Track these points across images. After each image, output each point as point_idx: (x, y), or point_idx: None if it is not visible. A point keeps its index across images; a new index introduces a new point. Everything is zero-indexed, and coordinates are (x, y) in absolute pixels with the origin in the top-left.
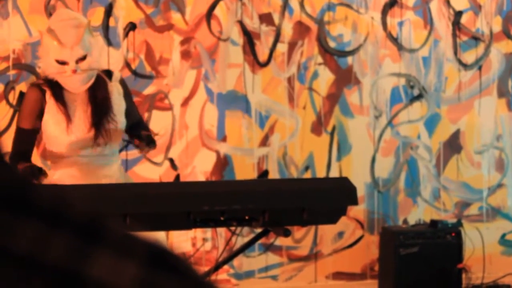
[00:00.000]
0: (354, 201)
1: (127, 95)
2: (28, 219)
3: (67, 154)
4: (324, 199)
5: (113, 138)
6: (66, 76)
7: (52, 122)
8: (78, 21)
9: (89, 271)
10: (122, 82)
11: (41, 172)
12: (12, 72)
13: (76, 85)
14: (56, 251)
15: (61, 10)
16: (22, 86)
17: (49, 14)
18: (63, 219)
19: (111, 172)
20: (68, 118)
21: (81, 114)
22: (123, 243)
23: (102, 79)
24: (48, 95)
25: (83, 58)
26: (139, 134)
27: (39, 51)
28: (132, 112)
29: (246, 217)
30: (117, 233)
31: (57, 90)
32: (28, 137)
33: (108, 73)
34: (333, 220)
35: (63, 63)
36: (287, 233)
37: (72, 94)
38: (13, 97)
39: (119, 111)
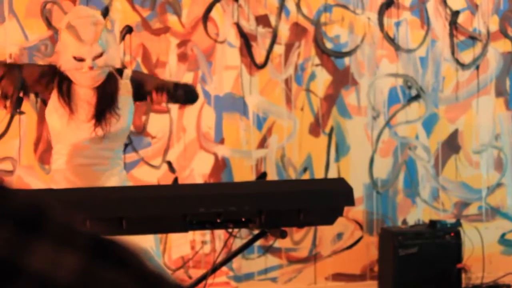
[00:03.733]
0: (351, 202)
1: (145, 80)
2: None
3: (69, 149)
4: (320, 200)
5: (116, 137)
6: (82, 72)
7: (57, 117)
8: (96, 18)
9: (28, 262)
10: (133, 79)
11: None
12: None
13: (89, 82)
14: None
15: (79, 7)
16: None
17: (45, 19)
18: (2, 210)
19: (112, 179)
20: (71, 111)
21: (85, 105)
22: (65, 234)
23: (113, 75)
24: (54, 87)
25: (100, 55)
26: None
27: (57, 46)
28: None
29: (243, 219)
30: (60, 223)
31: (64, 83)
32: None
33: (119, 71)
34: (330, 221)
35: (80, 59)
36: (283, 235)
37: (78, 88)
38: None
39: (125, 110)
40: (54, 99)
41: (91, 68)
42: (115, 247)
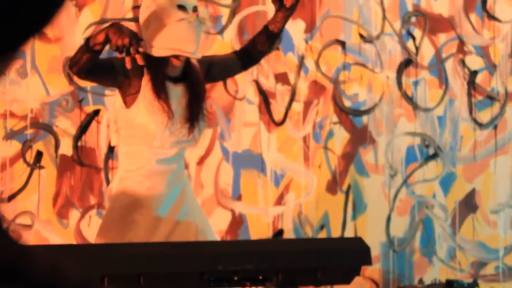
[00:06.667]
0: (368, 261)
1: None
2: None
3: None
4: (338, 259)
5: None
6: (188, 22)
7: (151, 120)
8: None
9: None
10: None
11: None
12: (29, 131)
13: (191, 41)
14: None
15: None
16: (39, 145)
17: (67, 74)
18: (21, 276)
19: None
20: (170, 113)
21: (178, 106)
22: None
23: (194, 66)
24: (145, 82)
25: (196, 8)
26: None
27: (149, 30)
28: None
29: (260, 277)
30: (74, 283)
31: (158, 79)
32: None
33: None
34: (347, 280)
35: (183, 8)
36: None
37: (168, 83)
38: (30, 156)
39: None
40: (146, 98)
41: (196, 13)
42: None
